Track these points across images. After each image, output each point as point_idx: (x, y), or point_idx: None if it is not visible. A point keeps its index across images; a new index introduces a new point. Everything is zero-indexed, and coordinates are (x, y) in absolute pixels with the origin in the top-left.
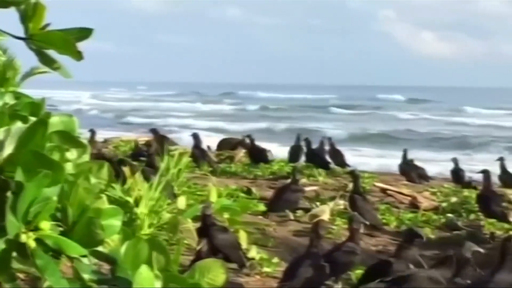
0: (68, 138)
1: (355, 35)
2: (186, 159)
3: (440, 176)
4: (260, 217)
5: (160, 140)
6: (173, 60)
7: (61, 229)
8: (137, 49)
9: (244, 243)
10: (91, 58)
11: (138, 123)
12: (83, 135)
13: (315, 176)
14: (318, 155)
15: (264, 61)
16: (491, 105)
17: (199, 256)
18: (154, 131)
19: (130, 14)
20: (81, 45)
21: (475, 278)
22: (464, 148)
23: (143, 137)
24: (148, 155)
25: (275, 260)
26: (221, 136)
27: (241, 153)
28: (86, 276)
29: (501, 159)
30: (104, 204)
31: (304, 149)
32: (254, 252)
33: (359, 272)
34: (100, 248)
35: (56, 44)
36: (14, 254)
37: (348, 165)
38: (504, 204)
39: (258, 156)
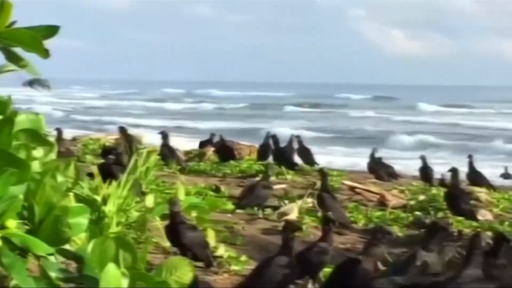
0: (35, 136)
1: (324, 33)
2: (154, 157)
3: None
4: (229, 215)
5: (128, 139)
6: (141, 58)
7: (27, 227)
8: (106, 47)
9: (212, 241)
10: (57, 56)
11: (86, 120)
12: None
13: (284, 174)
14: (285, 154)
15: (231, 58)
16: (454, 102)
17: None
18: (122, 129)
19: (100, 11)
20: (48, 43)
21: (442, 276)
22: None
23: (113, 135)
24: (116, 153)
25: (244, 258)
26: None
27: (210, 151)
28: (53, 274)
29: (469, 157)
30: (71, 202)
31: (272, 147)
32: (222, 250)
33: (327, 270)
34: (67, 246)
35: (23, 42)
36: None
37: (316, 163)
38: (472, 202)
39: (227, 154)
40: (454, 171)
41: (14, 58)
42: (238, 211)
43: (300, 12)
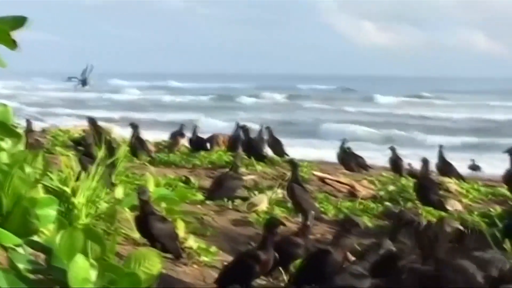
0: (2, 128)
1: (296, 26)
2: (124, 149)
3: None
4: (199, 206)
5: (98, 130)
6: (111, 51)
7: None
8: (76, 40)
9: (182, 233)
10: (28, 48)
11: (39, 112)
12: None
13: (254, 165)
14: (255, 145)
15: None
16: (418, 93)
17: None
18: (91, 120)
19: (70, 3)
20: (16, 35)
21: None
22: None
23: (81, 127)
24: (85, 144)
25: (213, 249)
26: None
27: (180, 143)
28: (21, 265)
29: (440, 147)
30: (39, 193)
31: (243, 137)
32: (192, 241)
33: (296, 261)
34: (35, 238)
35: None
36: None
37: (287, 154)
38: (441, 192)
39: (198, 145)
40: (424, 161)
41: None
42: (207, 202)
43: (271, 5)
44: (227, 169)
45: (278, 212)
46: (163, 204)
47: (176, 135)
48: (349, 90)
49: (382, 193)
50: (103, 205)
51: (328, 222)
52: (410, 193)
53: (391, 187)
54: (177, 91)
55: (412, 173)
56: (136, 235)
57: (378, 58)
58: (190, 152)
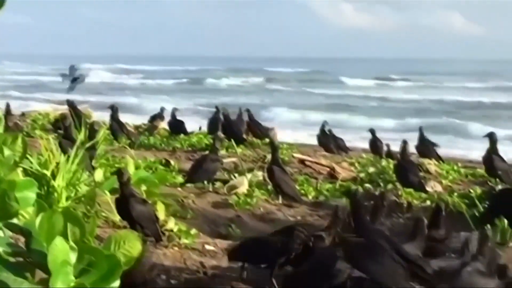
0: None
1: (273, 7)
2: (103, 132)
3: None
4: (179, 189)
5: (77, 113)
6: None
7: None
8: (50, 23)
9: (162, 215)
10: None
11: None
12: None
13: (234, 148)
14: (233, 128)
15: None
16: (394, 75)
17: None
18: (70, 103)
19: None
20: None
21: None
22: None
23: (61, 110)
24: (65, 127)
25: (193, 231)
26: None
27: (160, 126)
28: (0, 248)
29: (420, 129)
30: (18, 176)
31: (222, 120)
32: (172, 224)
33: None
34: (14, 221)
35: None
36: None
37: (267, 136)
38: (421, 174)
39: (177, 128)
40: (403, 143)
41: None
42: (188, 184)
43: None
44: (207, 152)
45: (258, 194)
46: (143, 187)
47: (156, 118)
48: (319, 72)
49: (362, 175)
50: (83, 188)
51: (308, 204)
52: (390, 175)
53: (371, 169)
54: (150, 75)
55: (391, 155)
56: (116, 217)
57: (354, 40)
58: (169, 135)
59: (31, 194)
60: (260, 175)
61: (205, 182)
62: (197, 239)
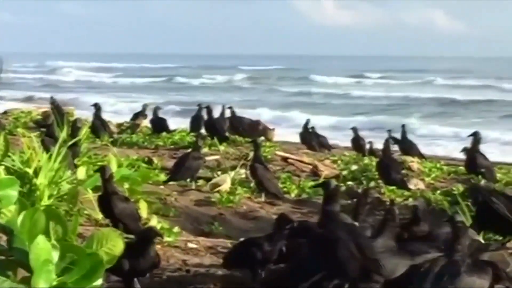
0: None
1: (254, 3)
2: (86, 129)
3: None
4: (162, 186)
5: (60, 111)
6: (60, 30)
7: None
8: (35, 19)
9: (144, 213)
10: None
11: None
12: None
13: (216, 146)
14: (216, 126)
15: (150, 31)
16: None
17: None
18: (53, 101)
19: None
20: None
21: None
22: None
23: (43, 108)
24: (47, 125)
25: (176, 229)
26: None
27: (142, 123)
28: None
29: (403, 126)
30: (0, 174)
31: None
32: (155, 222)
33: None
34: None
35: None
36: None
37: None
38: (403, 171)
39: (160, 126)
40: (386, 141)
41: None
42: (170, 182)
43: None
44: (190, 150)
45: (241, 192)
46: (126, 185)
47: (138, 116)
48: (290, 70)
49: (345, 172)
50: (66, 186)
51: (291, 201)
52: (373, 173)
53: (353, 167)
54: (125, 73)
55: (374, 153)
56: (99, 216)
57: (335, 38)
58: (152, 133)
59: (13, 192)
60: (243, 172)
61: (188, 180)
62: (180, 237)
